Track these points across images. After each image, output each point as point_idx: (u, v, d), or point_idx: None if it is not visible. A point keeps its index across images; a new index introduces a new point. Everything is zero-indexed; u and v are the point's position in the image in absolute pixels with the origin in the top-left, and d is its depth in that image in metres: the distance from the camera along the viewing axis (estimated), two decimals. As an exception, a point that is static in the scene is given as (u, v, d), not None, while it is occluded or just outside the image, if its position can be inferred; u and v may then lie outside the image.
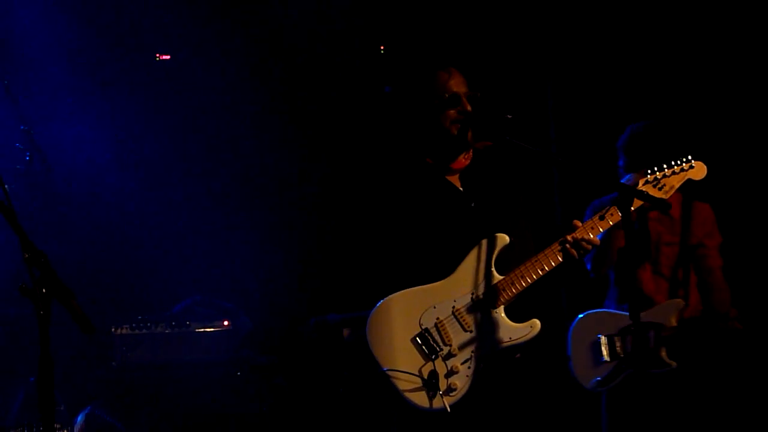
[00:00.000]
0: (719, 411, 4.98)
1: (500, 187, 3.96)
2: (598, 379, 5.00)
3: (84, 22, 6.54)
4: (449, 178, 3.91)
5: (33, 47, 6.39)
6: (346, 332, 5.83)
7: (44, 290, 2.96)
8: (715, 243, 5.13)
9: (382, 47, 7.09)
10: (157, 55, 6.90)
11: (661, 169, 3.92)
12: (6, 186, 3.26)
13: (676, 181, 3.93)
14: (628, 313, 4.96)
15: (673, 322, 4.90)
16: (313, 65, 7.02)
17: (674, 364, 4.88)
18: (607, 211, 3.80)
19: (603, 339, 4.99)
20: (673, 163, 3.93)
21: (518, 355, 3.81)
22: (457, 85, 3.84)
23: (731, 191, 6.01)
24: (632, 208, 3.61)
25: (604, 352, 4.97)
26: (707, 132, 6.14)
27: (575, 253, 3.74)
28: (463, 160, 3.92)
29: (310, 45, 6.97)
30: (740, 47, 6.25)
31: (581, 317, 5.20)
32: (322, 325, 6.04)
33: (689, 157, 3.96)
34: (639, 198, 3.64)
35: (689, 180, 3.95)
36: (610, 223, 3.80)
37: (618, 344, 4.95)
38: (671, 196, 4.98)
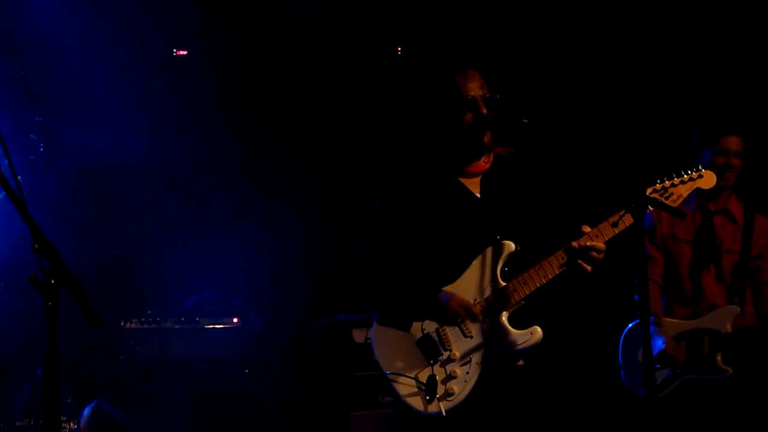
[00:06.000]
0: None
1: (518, 193, 3.92)
2: None
3: (103, 15, 6.56)
4: (466, 180, 3.86)
5: (50, 41, 6.41)
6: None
7: (53, 281, 2.95)
8: None
9: (399, 48, 7.09)
10: (174, 50, 6.92)
11: (670, 178, 3.88)
12: (19, 177, 3.24)
13: (684, 190, 3.87)
14: (683, 320, 4.97)
15: (728, 328, 4.90)
16: (327, 66, 7.02)
17: (730, 370, 4.86)
18: (621, 217, 3.75)
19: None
20: (682, 172, 3.89)
21: (521, 362, 3.79)
22: (473, 88, 3.77)
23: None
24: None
25: (658, 359, 4.93)
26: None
27: (582, 261, 3.68)
28: (483, 163, 3.87)
29: (325, 45, 6.98)
30: (757, 49, 6.22)
31: (633, 324, 5.18)
32: (332, 325, 6.03)
33: (699, 167, 3.94)
34: (653, 206, 3.59)
35: (698, 188, 3.91)
36: (625, 224, 3.73)
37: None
38: (734, 206, 5.02)
